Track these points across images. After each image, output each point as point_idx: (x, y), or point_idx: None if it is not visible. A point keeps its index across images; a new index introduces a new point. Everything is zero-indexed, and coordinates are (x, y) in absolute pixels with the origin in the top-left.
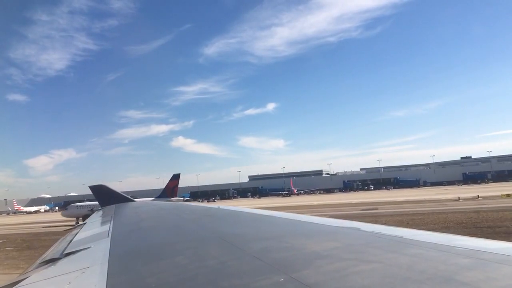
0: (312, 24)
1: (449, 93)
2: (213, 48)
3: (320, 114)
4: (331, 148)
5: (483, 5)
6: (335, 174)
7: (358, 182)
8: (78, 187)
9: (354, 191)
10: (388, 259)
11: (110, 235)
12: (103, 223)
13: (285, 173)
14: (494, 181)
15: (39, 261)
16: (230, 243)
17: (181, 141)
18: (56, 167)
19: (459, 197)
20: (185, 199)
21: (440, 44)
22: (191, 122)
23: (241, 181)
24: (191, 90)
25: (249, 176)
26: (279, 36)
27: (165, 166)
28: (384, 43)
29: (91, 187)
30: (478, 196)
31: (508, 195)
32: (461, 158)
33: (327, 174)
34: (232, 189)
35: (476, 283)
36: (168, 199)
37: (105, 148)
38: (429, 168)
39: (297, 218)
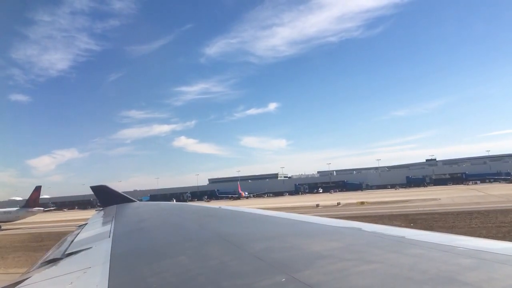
0: (313, 24)
1: (450, 92)
2: (215, 48)
3: (321, 114)
4: (333, 148)
5: (484, 5)
6: (291, 177)
7: (305, 185)
8: (79, 187)
9: (302, 194)
10: (389, 259)
11: (111, 235)
12: (104, 223)
13: (241, 176)
14: (434, 185)
15: (41, 261)
16: (231, 243)
17: (183, 141)
18: (58, 167)
19: (317, 204)
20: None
21: (441, 44)
22: (193, 122)
23: (201, 184)
24: (193, 90)
25: (209, 179)
26: (280, 36)
27: (167, 166)
28: (385, 43)
29: (93, 188)
30: (339, 203)
31: (362, 203)
32: (426, 160)
33: (286, 177)
34: (190, 192)
35: (478, 283)
36: (30, 209)
37: (107, 148)
38: (375, 172)
39: (298, 218)
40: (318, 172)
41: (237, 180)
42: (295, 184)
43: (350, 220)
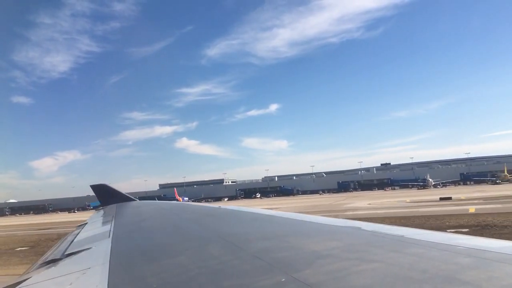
0: (313, 25)
1: (451, 93)
2: (215, 50)
3: (322, 115)
4: (334, 148)
5: (485, 6)
6: (235, 182)
7: (241, 191)
8: (81, 188)
9: (239, 199)
10: (389, 258)
11: (111, 235)
12: (104, 223)
13: (187, 182)
14: (362, 190)
15: (40, 261)
16: (231, 243)
17: (185, 142)
18: (60, 169)
19: None
20: (92, 207)
21: (442, 45)
22: (194, 124)
23: (152, 189)
24: (194, 92)
25: (160, 185)
26: (280, 37)
27: (169, 168)
28: (385, 44)
29: (92, 186)
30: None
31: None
32: (381, 164)
33: (232, 182)
34: (138, 197)
35: (478, 282)
36: None
37: (109, 149)
38: (310, 177)
39: (298, 217)
40: (262, 178)
41: (181, 186)
42: (236, 190)
43: (350, 220)
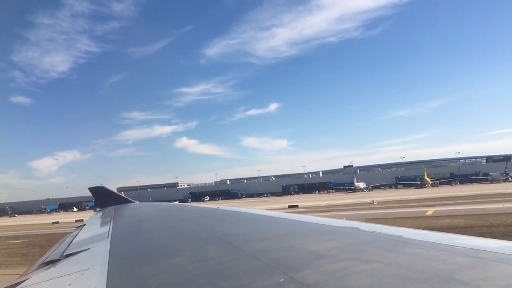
0: (312, 24)
1: (451, 92)
2: (214, 49)
3: (322, 114)
4: (334, 147)
5: (484, 4)
6: (189, 186)
7: (190, 194)
8: (81, 188)
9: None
10: (387, 258)
11: (109, 236)
12: (102, 224)
13: (141, 186)
14: (303, 193)
15: (39, 262)
16: (230, 243)
17: (184, 142)
18: (60, 169)
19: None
20: (49, 210)
21: (441, 43)
22: (194, 123)
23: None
24: (194, 91)
25: (117, 188)
26: (279, 36)
27: (169, 167)
28: (385, 43)
29: (90, 189)
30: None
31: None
32: (344, 166)
33: (187, 185)
34: (86, 201)
35: (476, 282)
36: None
37: (109, 149)
38: (256, 181)
39: (296, 218)
40: (214, 181)
41: (135, 190)
42: (186, 193)
43: (348, 220)
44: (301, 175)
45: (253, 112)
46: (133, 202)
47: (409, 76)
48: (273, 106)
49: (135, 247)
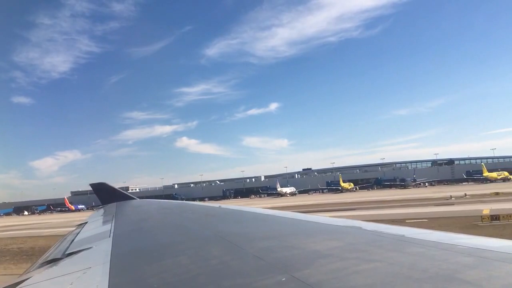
0: (312, 24)
1: (452, 91)
2: (215, 49)
3: (323, 114)
4: (335, 147)
5: (485, 3)
6: (139, 190)
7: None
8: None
9: None
10: (390, 258)
11: (111, 234)
12: (104, 222)
13: (90, 190)
14: (241, 197)
15: (40, 261)
16: (232, 242)
17: (185, 142)
18: (61, 168)
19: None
20: (1, 214)
21: (442, 42)
22: (195, 123)
23: (61, 197)
24: (194, 91)
25: (71, 192)
26: (279, 36)
27: (170, 167)
28: (385, 42)
29: (92, 185)
30: None
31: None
32: (303, 169)
33: (139, 189)
34: (36, 206)
35: (478, 281)
36: None
37: (110, 149)
38: (194, 186)
39: (299, 217)
40: (163, 186)
41: (91, 193)
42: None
43: (350, 219)
44: (242, 179)
45: (253, 111)
46: (134, 198)
47: (409, 76)
48: (273, 106)
49: (137, 246)
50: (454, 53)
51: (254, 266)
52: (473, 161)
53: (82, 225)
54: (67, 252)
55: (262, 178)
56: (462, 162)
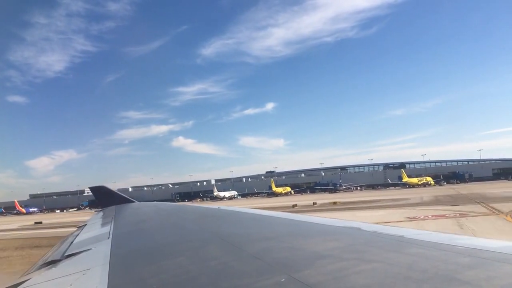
0: (307, 24)
1: (448, 91)
2: (211, 49)
3: (319, 114)
4: (331, 147)
5: (481, 3)
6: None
7: (84, 202)
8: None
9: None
10: (389, 258)
11: (110, 236)
12: (103, 224)
13: (46, 193)
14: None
15: (40, 262)
16: (231, 243)
17: (181, 141)
18: (57, 168)
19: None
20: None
21: (437, 43)
22: (191, 122)
23: (22, 199)
24: (190, 91)
25: (30, 195)
26: (275, 36)
27: (166, 167)
28: (381, 43)
29: (91, 188)
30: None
31: None
32: (266, 172)
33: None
34: (3, 207)
35: (477, 282)
36: None
37: (106, 148)
38: (148, 189)
39: (297, 218)
40: (117, 189)
41: (47, 196)
42: (81, 200)
43: (349, 220)
44: (194, 183)
45: (249, 111)
46: (134, 201)
47: (405, 76)
48: (269, 106)
49: (136, 248)
50: (449, 53)
51: (254, 267)
52: (427, 165)
53: (81, 227)
54: (66, 254)
55: (212, 182)
56: (412, 166)
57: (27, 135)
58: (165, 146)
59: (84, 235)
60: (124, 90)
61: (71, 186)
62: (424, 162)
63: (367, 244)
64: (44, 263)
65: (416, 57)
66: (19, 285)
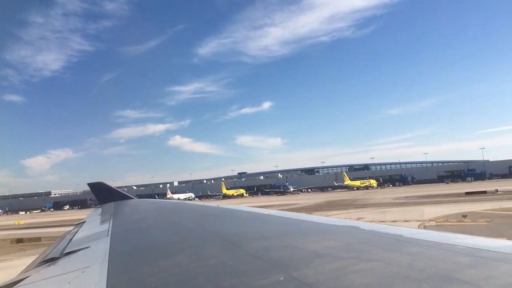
0: (304, 24)
1: (444, 91)
2: (207, 48)
3: (316, 113)
4: (328, 146)
5: (478, 2)
6: (60, 195)
7: (49, 203)
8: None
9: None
10: (387, 257)
11: (109, 234)
12: (102, 221)
13: (12, 195)
14: None
15: (38, 260)
16: (230, 242)
17: (178, 140)
18: (53, 167)
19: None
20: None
21: (434, 42)
22: (188, 121)
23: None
24: (187, 90)
25: (11, 196)
26: (272, 36)
27: (163, 165)
28: (377, 42)
29: (90, 184)
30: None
31: None
32: (238, 173)
33: (64, 194)
34: None
35: (476, 281)
36: None
37: (102, 147)
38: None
39: (296, 217)
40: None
41: (14, 198)
42: (47, 202)
43: (348, 219)
44: (157, 185)
45: (246, 110)
46: (132, 198)
47: (401, 75)
48: (266, 105)
49: (135, 245)
50: (446, 53)
51: (252, 266)
52: (388, 167)
53: (80, 224)
54: (65, 251)
55: (175, 184)
56: (378, 167)
57: (24, 134)
58: (162, 145)
59: (83, 233)
60: (121, 89)
61: (68, 185)
62: (385, 164)
63: (365, 243)
64: (43, 261)
65: (413, 56)
66: (17, 283)
